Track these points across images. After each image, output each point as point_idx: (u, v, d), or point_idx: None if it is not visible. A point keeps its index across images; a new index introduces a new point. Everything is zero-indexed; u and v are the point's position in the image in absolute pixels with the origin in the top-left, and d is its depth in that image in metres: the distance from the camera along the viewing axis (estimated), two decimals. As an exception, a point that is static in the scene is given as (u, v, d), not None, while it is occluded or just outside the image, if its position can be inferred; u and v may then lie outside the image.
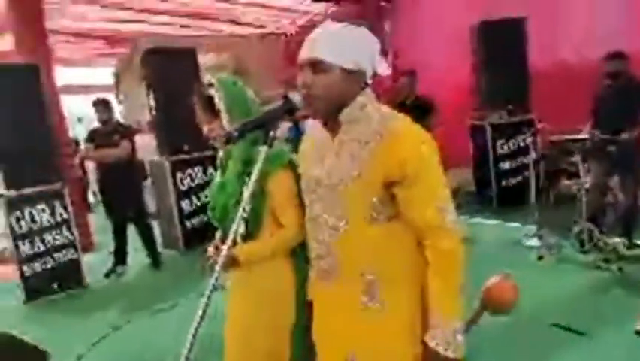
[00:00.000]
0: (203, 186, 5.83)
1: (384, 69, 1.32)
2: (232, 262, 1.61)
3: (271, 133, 1.26)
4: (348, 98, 1.28)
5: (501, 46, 5.83)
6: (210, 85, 1.69)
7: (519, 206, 5.37)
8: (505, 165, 5.98)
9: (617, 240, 4.07)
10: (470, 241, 4.80)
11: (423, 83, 5.79)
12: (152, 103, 5.84)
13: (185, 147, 5.72)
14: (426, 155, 1.25)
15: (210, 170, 5.89)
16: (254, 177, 1.25)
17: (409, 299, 1.31)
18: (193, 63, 5.92)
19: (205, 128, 1.75)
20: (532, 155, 4.71)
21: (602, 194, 4.19)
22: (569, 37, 6.01)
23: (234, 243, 1.64)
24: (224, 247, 1.26)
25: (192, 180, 5.82)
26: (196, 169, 5.83)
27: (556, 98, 5.37)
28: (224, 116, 1.68)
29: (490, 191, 6.05)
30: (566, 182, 4.87)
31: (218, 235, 1.86)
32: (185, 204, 5.78)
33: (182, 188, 5.76)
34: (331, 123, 1.33)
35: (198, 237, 5.69)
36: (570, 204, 4.57)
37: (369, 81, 1.32)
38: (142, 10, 7.92)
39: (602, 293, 3.41)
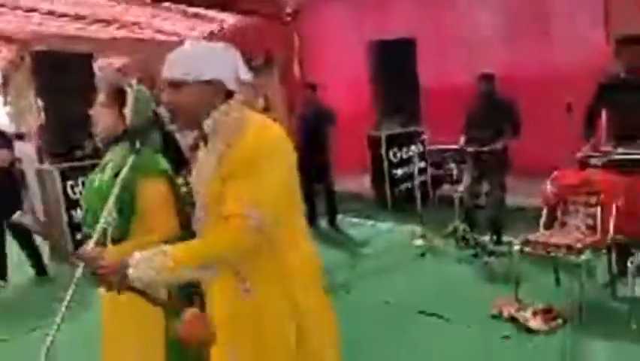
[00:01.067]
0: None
1: (246, 75, 1.42)
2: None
3: (137, 143, 1.38)
4: (208, 109, 1.37)
5: (393, 63, 6.31)
6: (130, 85, 1.79)
7: (410, 209, 5.83)
8: (398, 172, 6.44)
9: (486, 238, 4.58)
10: (366, 243, 5.17)
11: (327, 96, 6.13)
12: (41, 107, 5.51)
13: (78, 153, 5.47)
14: (253, 148, 1.30)
15: (106, 177, 5.68)
16: (118, 183, 1.36)
17: (275, 289, 1.38)
18: (88, 68, 5.70)
19: (98, 111, 1.79)
20: (419, 163, 5.13)
21: (474, 197, 4.69)
22: (454, 57, 6.65)
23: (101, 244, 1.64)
24: (88, 248, 1.33)
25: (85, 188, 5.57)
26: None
27: (443, 112, 5.91)
28: (127, 113, 1.74)
29: (385, 196, 6.47)
30: (446, 187, 5.38)
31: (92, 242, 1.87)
32: (76, 214, 5.50)
33: (73, 197, 5.48)
34: (200, 132, 1.42)
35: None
36: (451, 206, 5.06)
37: (234, 89, 1.40)
38: (30, 10, 7.43)
39: (468, 284, 3.82)
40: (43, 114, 5.53)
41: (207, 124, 1.38)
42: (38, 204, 5.86)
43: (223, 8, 8.43)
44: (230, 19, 9.44)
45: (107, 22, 8.77)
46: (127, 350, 1.76)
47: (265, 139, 1.34)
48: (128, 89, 1.80)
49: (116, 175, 1.71)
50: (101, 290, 1.71)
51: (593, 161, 3.36)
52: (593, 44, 5.31)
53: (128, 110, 1.76)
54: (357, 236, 5.52)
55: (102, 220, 1.37)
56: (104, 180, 1.79)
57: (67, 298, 1.37)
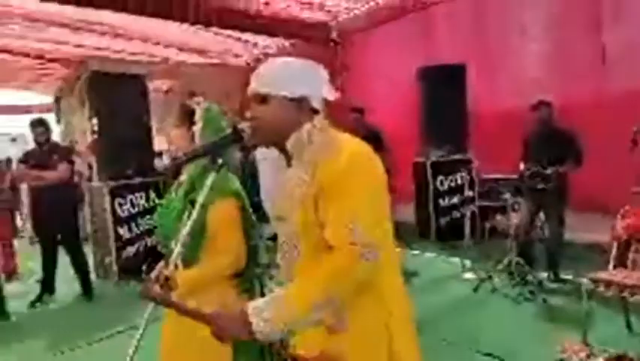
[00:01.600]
0: (144, 213, 5.67)
1: (331, 94, 1.36)
2: (167, 287, 1.54)
3: (219, 160, 1.31)
4: (293, 126, 1.31)
5: (442, 89, 6.20)
6: (197, 103, 1.80)
7: (454, 240, 5.62)
8: (445, 202, 6.24)
9: (543, 274, 4.33)
10: (414, 274, 4.98)
11: (370, 121, 6.06)
12: (95, 126, 5.68)
13: (128, 172, 5.58)
14: (345, 168, 1.21)
15: (153, 196, 5.76)
16: (199, 202, 1.30)
17: (372, 318, 1.27)
18: (141, 89, 5.86)
19: (171, 133, 1.81)
20: (468, 192, 4.96)
21: (530, 230, 4.46)
22: (505, 83, 6.48)
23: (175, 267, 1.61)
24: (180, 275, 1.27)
25: (133, 206, 5.65)
26: (137, 195, 5.67)
27: (493, 139, 5.74)
28: (196, 131, 1.76)
29: (430, 225, 6.28)
30: (498, 218, 5.17)
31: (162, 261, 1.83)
32: (123, 231, 5.57)
33: (122, 214, 5.56)
34: (284, 153, 1.36)
35: (135, 267, 5.50)
36: (503, 239, 4.83)
37: (318, 107, 1.34)
38: (89, 30, 7.73)
39: (526, 323, 3.59)
40: (96, 133, 5.69)
41: (292, 142, 1.32)
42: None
43: (269, 34, 8.57)
44: (273, 44, 9.61)
45: (158, 45, 9.04)
46: None
47: (360, 158, 1.26)
48: (197, 108, 1.80)
49: (187, 194, 1.73)
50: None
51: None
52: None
53: (197, 128, 1.76)
54: (403, 268, 5.32)
55: (179, 243, 1.30)
56: (175, 199, 1.79)
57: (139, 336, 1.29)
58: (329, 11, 8.10)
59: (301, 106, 1.31)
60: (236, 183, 1.77)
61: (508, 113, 5.86)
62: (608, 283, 2.91)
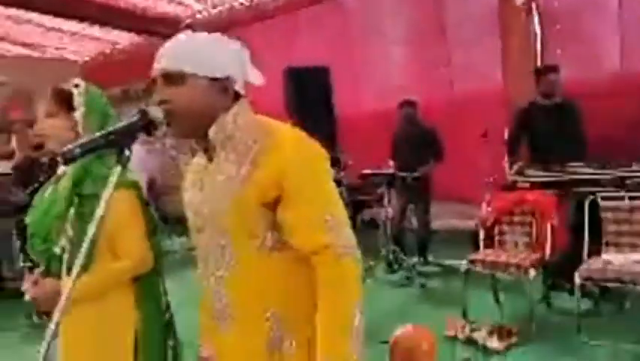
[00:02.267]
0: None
1: (256, 78, 1.20)
2: (56, 298, 1.29)
3: (126, 152, 1.04)
4: (217, 111, 1.12)
5: (308, 90, 6.31)
6: (76, 85, 1.51)
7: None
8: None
9: (414, 259, 4.67)
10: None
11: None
12: None
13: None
14: (304, 163, 1.09)
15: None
16: (103, 203, 1.01)
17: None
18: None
19: (38, 125, 1.54)
20: (339, 188, 5.09)
21: (402, 220, 4.79)
22: (369, 85, 6.87)
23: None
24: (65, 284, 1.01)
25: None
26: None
27: (360, 138, 6.02)
28: (79, 120, 1.49)
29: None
30: (370, 210, 5.45)
31: (38, 269, 1.51)
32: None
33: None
34: (203, 143, 1.16)
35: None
36: (375, 230, 5.09)
37: (242, 91, 1.18)
38: None
39: (411, 306, 3.83)
40: None
41: (215, 130, 1.12)
42: None
43: (121, 27, 7.82)
44: (122, 39, 8.79)
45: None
46: None
47: (310, 144, 1.13)
48: (75, 90, 1.51)
49: (74, 186, 1.44)
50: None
51: (521, 182, 3.60)
52: (493, 77, 5.85)
53: (79, 115, 1.48)
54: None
55: (85, 245, 1.01)
56: (57, 196, 1.47)
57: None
58: (186, 6, 7.67)
59: (224, 87, 1.13)
60: (132, 173, 1.51)
61: (374, 113, 6.23)
62: (483, 262, 3.23)
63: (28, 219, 1.54)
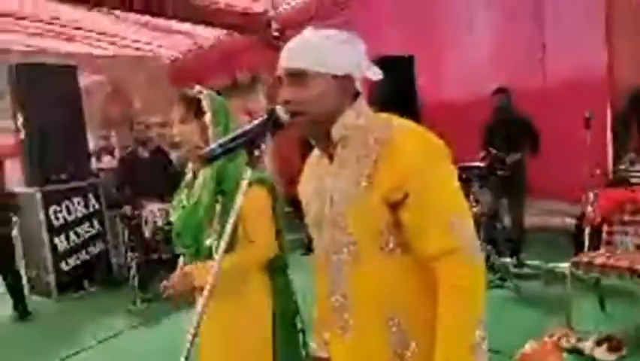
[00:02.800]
0: (82, 220, 5.15)
1: (375, 73, 1.17)
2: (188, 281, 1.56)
3: (255, 152, 1.09)
4: (339, 109, 1.12)
5: (392, 80, 6.16)
6: (200, 92, 1.66)
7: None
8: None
9: (507, 260, 4.41)
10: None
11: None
12: (21, 124, 5.03)
13: (63, 176, 5.01)
14: (431, 160, 1.06)
15: (92, 201, 5.24)
16: (238, 202, 1.07)
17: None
18: (73, 82, 5.29)
19: (174, 129, 1.66)
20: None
21: (495, 215, 4.53)
22: (454, 74, 6.59)
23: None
24: (212, 268, 1.09)
25: (70, 213, 5.10)
26: (75, 200, 5.13)
27: (445, 131, 5.79)
28: (208, 122, 1.62)
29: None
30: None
31: (181, 261, 1.76)
32: (59, 242, 5.01)
33: (57, 223, 5.00)
34: (325, 142, 1.16)
35: (75, 281, 5.02)
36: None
37: (360, 88, 1.16)
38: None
39: (506, 311, 3.61)
40: (22, 132, 5.04)
41: (338, 129, 1.12)
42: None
43: (206, 23, 8.14)
44: (210, 35, 9.14)
45: (82, 37, 8.32)
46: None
47: (433, 146, 1.09)
48: (201, 97, 1.64)
49: (217, 185, 1.59)
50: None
51: (634, 177, 3.26)
52: (596, 58, 5.34)
53: (208, 119, 1.61)
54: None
55: (226, 233, 1.09)
56: (199, 196, 1.63)
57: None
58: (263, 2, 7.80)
59: (345, 86, 1.12)
60: (265, 171, 1.66)
61: (460, 103, 5.95)
62: (589, 265, 2.97)
63: (173, 218, 1.72)
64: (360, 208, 1.08)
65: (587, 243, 3.23)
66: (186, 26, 8.48)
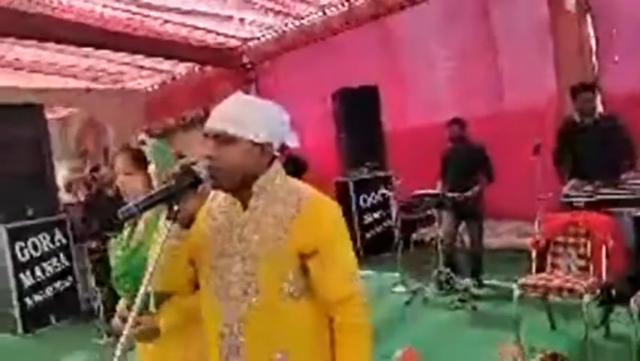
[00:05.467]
0: (49, 255, 5.15)
1: (293, 141, 1.35)
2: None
3: (175, 207, 1.19)
4: (256, 171, 1.27)
5: (358, 111, 6.40)
6: (142, 142, 1.74)
7: (383, 254, 5.77)
8: (369, 218, 6.40)
9: (468, 281, 4.56)
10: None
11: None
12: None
13: (29, 211, 5.02)
14: (339, 225, 1.29)
15: (59, 236, 5.24)
16: (158, 250, 1.16)
17: None
18: (40, 121, 5.37)
19: (119, 179, 1.76)
20: (390, 207, 5.09)
21: (453, 240, 4.70)
22: (416, 104, 6.84)
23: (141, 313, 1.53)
24: (131, 317, 1.15)
25: (36, 249, 5.09)
26: (41, 236, 5.13)
27: (409, 157, 6.00)
28: (152, 174, 1.71)
29: (356, 242, 6.38)
30: (423, 230, 5.37)
31: (121, 304, 1.77)
32: (25, 278, 4.99)
33: (23, 259, 4.99)
34: (240, 193, 1.29)
35: (42, 316, 4.98)
36: (427, 249, 5.02)
37: (277, 153, 1.31)
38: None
39: (462, 330, 3.75)
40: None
41: (260, 185, 1.27)
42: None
43: (179, 59, 8.33)
44: (182, 69, 9.33)
45: (54, 73, 8.39)
46: None
47: (338, 211, 1.31)
48: (146, 148, 1.72)
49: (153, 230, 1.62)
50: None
51: (576, 202, 3.47)
52: (545, 89, 5.65)
53: (152, 170, 1.69)
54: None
55: (144, 284, 1.16)
56: (142, 241, 1.67)
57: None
58: (233, 37, 8.03)
59: (264, 151, 1.27)
60: None
61: (423, 131, 6.19)
62: (534, 287, 3.13)
63: (113, 262, 1.76)
64: (275, 255, 1.23)
65: (534, 265, 3.39)
66: (158, 62, 8.67)
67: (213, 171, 1.21)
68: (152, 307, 1.57)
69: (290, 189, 1.29)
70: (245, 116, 1.24)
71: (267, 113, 1.29)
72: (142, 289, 1.15)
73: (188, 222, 1.24)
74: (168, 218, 1.19)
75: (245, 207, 1.28)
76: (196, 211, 1.26)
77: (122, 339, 1.11)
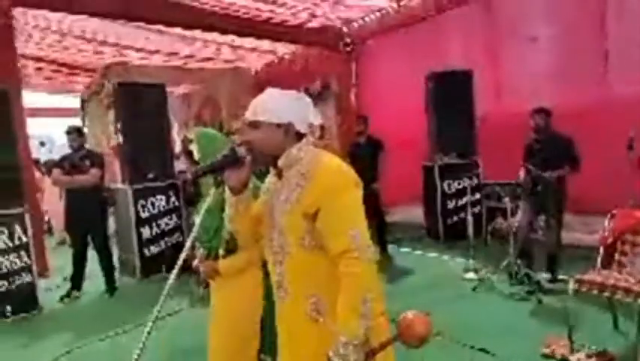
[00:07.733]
0: (164, 214, 6.04)
1: (316, 119, 1.66)
2: (214, 273, 2.28)
3: (219, 178, 1.61)
4: (283, 147, 1.61)
5: (450, 94, 6.39)
6: (190, 141, 2.26)
7: (462, 241, 5.82)
8: (452, 204, 6.44)
9: (543, 275, 4.49)
10: (418, 274, 5.22)
11: (380, 126, 6.30)
12: (120, 133, 6.07)
13: (150, 175, 5.94)
14: (337, 186, 1.51)
15: (173, 198, 6.11)
16: (203, 209, 1.66)
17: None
18: (162, 98, 6.23)
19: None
20: (473, 195, 5.10)
21: (530, 232, 4.62)
22: (512, 89, 6.60)
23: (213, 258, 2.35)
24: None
25: (154, 207, 6.01)
26: (159, 197, 6.03)
27: (501, 145, 5.88)
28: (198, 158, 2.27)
29: (438, 227, 6.47)
30: (499, 221, 5.31)
31: (199, 253, 2.41)
32: (144, 232, 5.93)
33: (143, 215, 5.93)
34: (277, 170, 1.65)
35: (156, 265, 5.86)
36: (504, 239, 4.99)
37: (304, 131, 1.63)
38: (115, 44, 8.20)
39: (519, 321, 3.78)
40: (121, 139, 6.06)
41: (283, 160, 1.61)
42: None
43: (290, 41, 8.87)
44: (287, 50, 9.89)
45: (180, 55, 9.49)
46: (237, 324, 2.29)
47: (343, 176, 1.55)
48: (191, 146, 2.25)
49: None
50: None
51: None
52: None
53: (197, 158, 2.24)
54: (408, 267, 5.58)
55: (191, 237, 1.66)
56: (211, 204, 2.10)
57: (158, 307, 1.65)
58: (339, 18, 8.32)
59: (287, 130, 1.61)
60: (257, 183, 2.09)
61: (515, 118, 5.99)
62: (591, 284, 3.09)
63: (196, 220, 2.20)
64: (290, 218, 1.57)
65: (599, 261, 3.31)
66: (267, 44, 9.32)
67: (249, 150, 1.60)
68: (221, 252, 2.21)
69: (310, 160, 1.58)
70: (268, 104, 1.60)
71: (287, 100, 1.62)
72: (190, 238, 1.61)
73: (237, 190, 1.63)
74: (214, 184, 1.61)
75: (280, 178, 1.65)
76: (241, 182, 1.62)
77: (197, 277, 1.63)
